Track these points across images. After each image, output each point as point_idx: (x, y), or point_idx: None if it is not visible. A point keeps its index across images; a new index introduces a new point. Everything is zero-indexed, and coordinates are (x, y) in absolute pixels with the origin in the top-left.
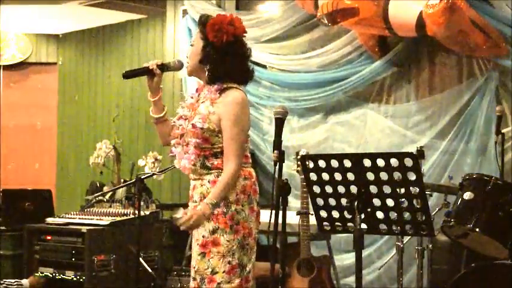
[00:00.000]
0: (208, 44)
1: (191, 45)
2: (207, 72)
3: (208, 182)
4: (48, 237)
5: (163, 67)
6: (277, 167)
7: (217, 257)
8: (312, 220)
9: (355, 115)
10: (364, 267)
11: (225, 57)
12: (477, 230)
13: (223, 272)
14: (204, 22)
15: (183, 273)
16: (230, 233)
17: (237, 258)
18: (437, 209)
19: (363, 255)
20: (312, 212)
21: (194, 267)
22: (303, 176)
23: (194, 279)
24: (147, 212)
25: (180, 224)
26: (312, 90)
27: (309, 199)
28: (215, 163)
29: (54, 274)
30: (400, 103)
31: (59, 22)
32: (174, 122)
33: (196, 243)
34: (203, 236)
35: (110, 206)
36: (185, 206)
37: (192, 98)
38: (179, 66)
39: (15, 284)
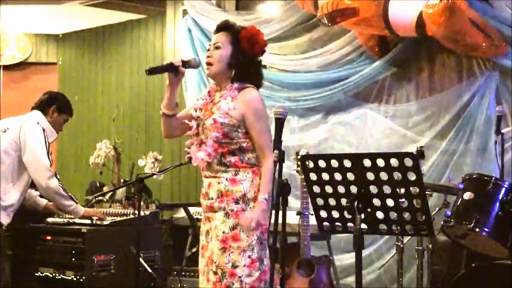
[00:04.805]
0: (238, 50)
1: (216, 47)
2: (232, 75)
3: (226, 179)
4: (48, 237)
5: (185, 64)
6: (277, 167)
7: (237, 252)
8: (312, 220)
9: (355, 115)
10: (364, 267)
11: (251, 65)
12: (477, 230)
13: (244, 265)
14: (236, 30)
15: (183, 273)
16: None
17: (256, 253)
18: (437, 209)
19: (363, 255)
20: (312, 212)
21: (215, 262)
22: (303, 176)
23: (215, 273)
24: (147, 212)
25: (246, 228)
26: (312, 90)
27: (309, 199)
28: (232, 161)
29: (54, 274)
30: (400, 103)
31: (59, 22)
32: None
33: (216, 238)
34: (223, 232)
35: (110, 206)
36: (185, 206)
37: (203, 99)
38: (197, 64)
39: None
